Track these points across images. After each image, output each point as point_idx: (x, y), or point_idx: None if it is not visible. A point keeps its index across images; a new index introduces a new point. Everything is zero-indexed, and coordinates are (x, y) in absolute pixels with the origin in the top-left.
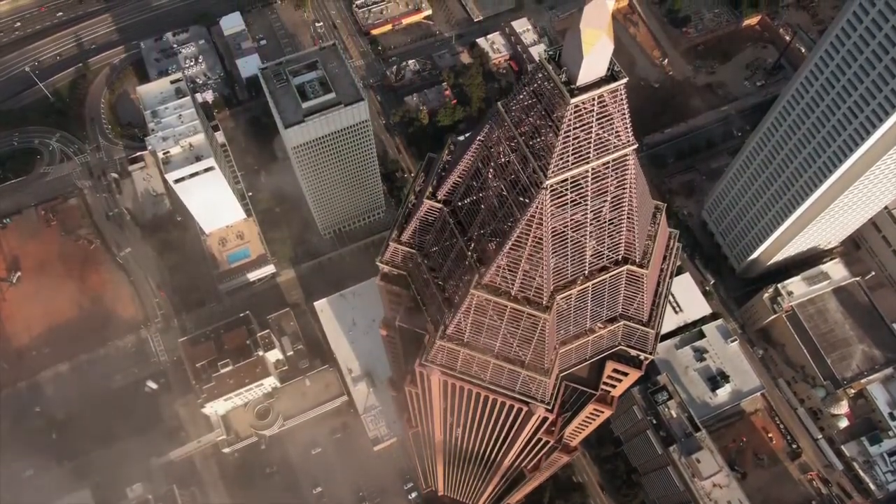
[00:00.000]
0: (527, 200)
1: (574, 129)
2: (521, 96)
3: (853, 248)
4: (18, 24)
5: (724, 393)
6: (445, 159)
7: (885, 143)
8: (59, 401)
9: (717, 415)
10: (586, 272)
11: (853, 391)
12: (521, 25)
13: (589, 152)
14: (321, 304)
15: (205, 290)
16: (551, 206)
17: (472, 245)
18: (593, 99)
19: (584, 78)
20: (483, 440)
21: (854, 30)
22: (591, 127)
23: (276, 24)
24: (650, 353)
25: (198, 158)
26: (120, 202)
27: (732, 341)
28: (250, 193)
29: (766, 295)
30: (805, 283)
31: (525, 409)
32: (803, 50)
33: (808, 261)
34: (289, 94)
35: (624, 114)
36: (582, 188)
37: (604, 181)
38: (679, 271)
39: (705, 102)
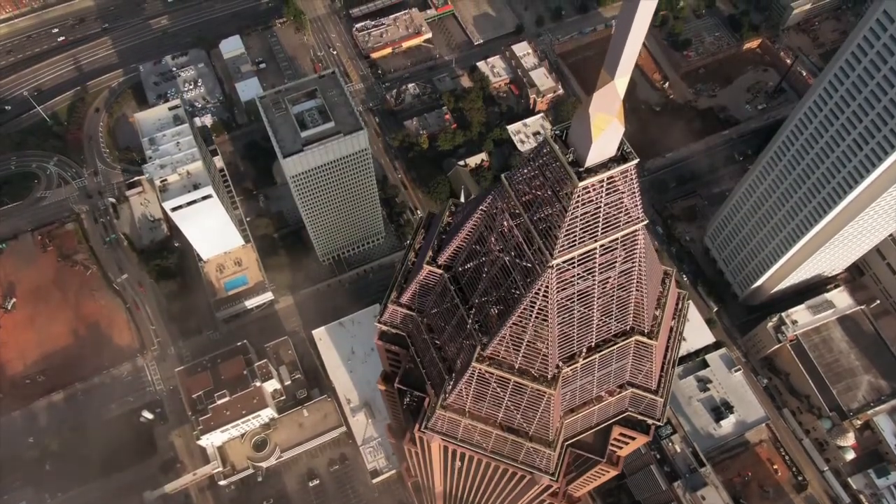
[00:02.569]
0: (532, 278)
1: (581, 209)
2: (526, 170)
3: (857, 275)
4: (15, 45)
5: (728, 424)
6: (447, 221)
7: (892, 174)
8: (54, 430)
9: (722, 446)
10: (593, 343)
11: (860, 422)
12: (522, 49)
13: (597, 231)
14: (319, 333)
15: (202, 317)
16: (557, 282)
17: (474, 312)
18: (602, 180)
19: (592, 160)
20: (485, 497)
21: (859, 62)
22: (600, 207)
23: (275, 48)
24: (658, 420)
25: (195, 186)
26: (117, 227)
27: (737, 371)
28: (248, 219)
29: (770, 324)
30: (809, 312)
31: (529, 476)
32: (804, 73)
33: (812, 287)
34: (288, 122)
35: (634, 192)
36: (589, 263)
37: (612, 255)
38: None
39: (707, 126)
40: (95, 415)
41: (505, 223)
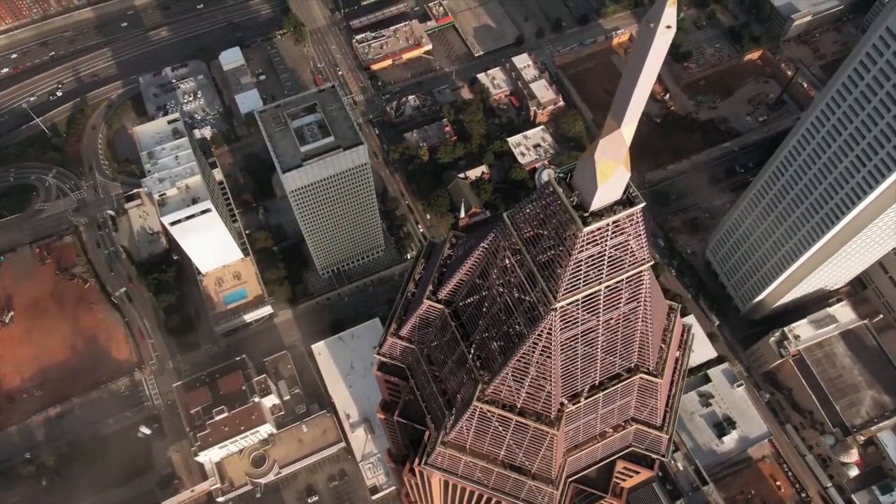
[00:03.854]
0: (535, 319)
1: (586, 252)
2: (529, 210)
3: (859, 288)
4: (15, 56)
5: (730, 440)
6: (447, 254)
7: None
8: (50, 446)
9: (724, 462)
10: (597, 381)
11: (863, 438)
12: (522, 61)
13: (601, 273)
14: (318, 347)
15: (201, 331)
16: (561, 323)
17: (475, 348)
18: (608, 224)
19: (597, 204)
20: None
21: (861, 79)
22: (605, 250)
23: (275, 59)
24: (663, 456)
25: (194, 200)
26: (116, 240)
27: (739, 386)
28: (248, 231)
29: (773, 339)
30: (812, 327)
31: None
32: (805, 85)
33: (815, 301)
34: (287, 137)
35: (640, 234)
36: (594, 304)
37: (617, 295)
38: (684, 313)
39: (707, 138)
40: (93, 430)
41: (507, 261)
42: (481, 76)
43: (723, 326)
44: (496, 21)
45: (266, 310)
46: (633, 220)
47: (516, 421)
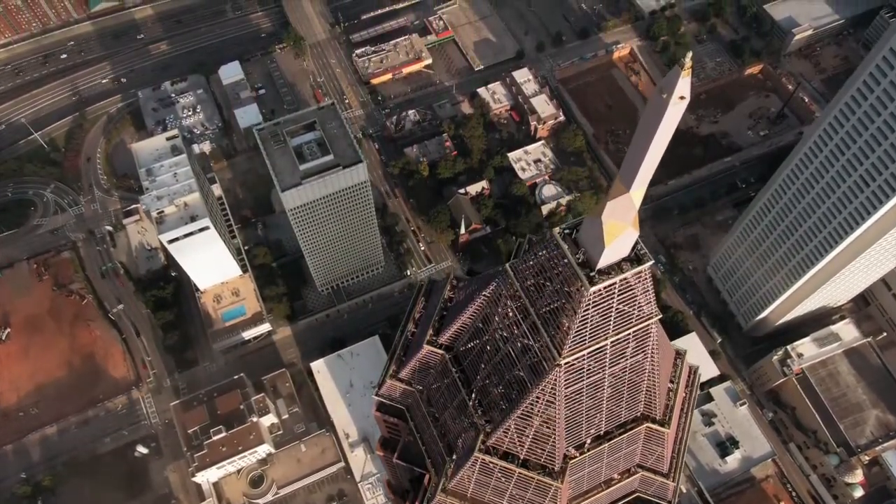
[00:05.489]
0: (539, 371)
1: (593, 309)
2: (532, 263)
3: (862, 305)
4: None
5: (733, 460)
6: (448, 296)
7: None
8: (46, 465)
9: (727, 483)
10: (602, 431)
11: (867, 458)
12: (522, 75)
13: (608, 328)
14: (317, 365)
15: (199, 349)
16: (565, 377)
17: (476, 394)
18: (615, 283)
19: (604, 262)
20: None
21: (865, 99)
22: (612, 306)
23: (275, 74)
24: (669, 503)
25: (193, 218)
26: (114, 256)
27: (742, 404)
28: (247, 247)
29: (776, 357)
30: (815, 345)
31: None
32: (806, 99)
33: (818, 318)
34: (286, 155)
35: (647, 290)
36: (600, 358)
37: (624, 348)
38: (685, 330)
39: (709, 153)
40: (89, 449)
41: (510, 311)
42: (481, 90)
43: (725, 344)
44: (496, 35)
45: (265, 327)
46: (640, 277)
47: (519, 473)
